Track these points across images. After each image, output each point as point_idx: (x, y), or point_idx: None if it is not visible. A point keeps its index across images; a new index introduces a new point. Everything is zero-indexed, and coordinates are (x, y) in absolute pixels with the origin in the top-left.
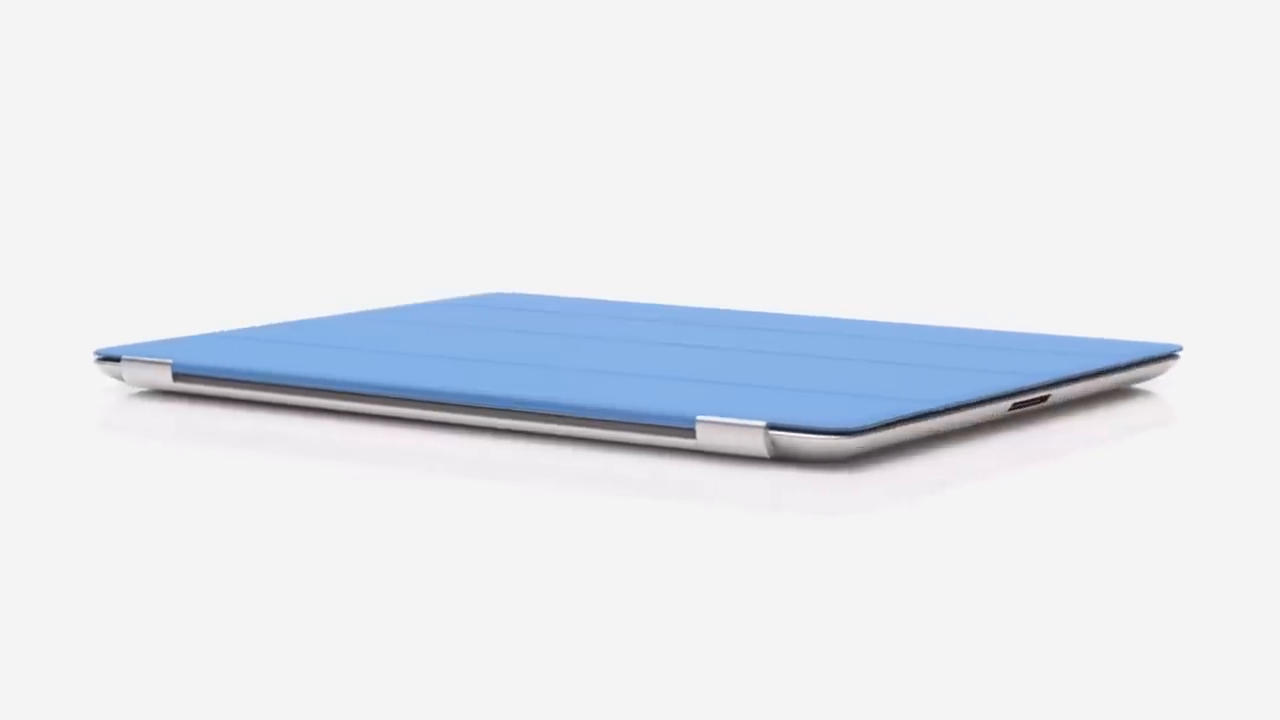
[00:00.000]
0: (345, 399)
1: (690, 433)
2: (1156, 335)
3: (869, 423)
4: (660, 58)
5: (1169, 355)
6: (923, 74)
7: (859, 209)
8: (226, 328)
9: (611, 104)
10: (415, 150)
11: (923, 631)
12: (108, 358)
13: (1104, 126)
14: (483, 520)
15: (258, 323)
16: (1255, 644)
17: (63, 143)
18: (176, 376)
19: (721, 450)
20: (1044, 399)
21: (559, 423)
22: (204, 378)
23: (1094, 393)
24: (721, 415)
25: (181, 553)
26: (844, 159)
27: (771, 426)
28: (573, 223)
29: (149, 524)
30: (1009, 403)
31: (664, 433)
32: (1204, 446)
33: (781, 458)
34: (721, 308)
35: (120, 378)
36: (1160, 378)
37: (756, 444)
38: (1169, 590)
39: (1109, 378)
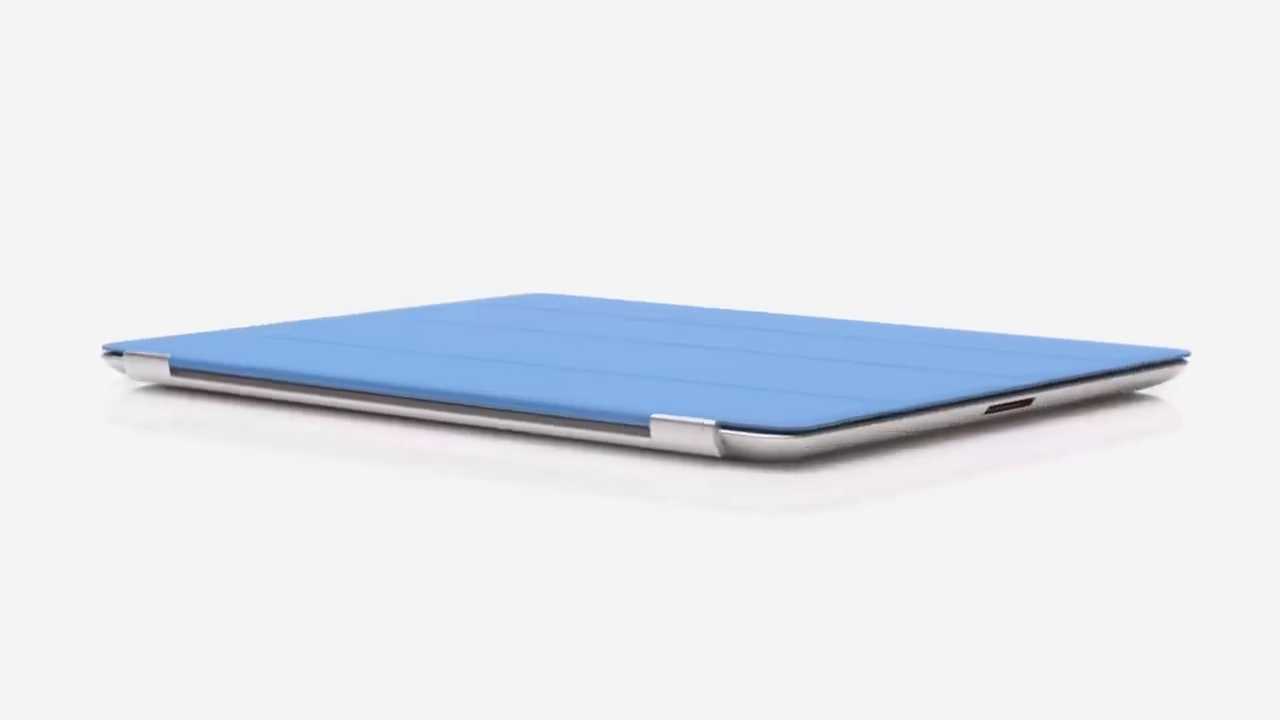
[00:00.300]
0: (329, 394)
1: (646, 431)
2: (1169, 341)
3: (821, 423)
4: (688, 70)
5: (1176, 360)
6: (919, 75)
7: (888, 214)
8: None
9: (654, 109)
10: (461, 156)
11: (860, 635)
12: (113, 352)
13: (1114, 132)
14: (436, 516)
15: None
16: (1260, 656)
17: (111, 147)
18: (174, 371)
19: (675, 449)
20: (1026, 402)
21: (518, 419)
22: (201, 373)
23: (1095, 397)
24: (676, 413)
25: (173, 544)
26: (841, 159)
27: (722, 425)
28: (621, 222)
29: (137, 518)
30: (985, 405)
31: (622, 430)
32: (1208, 452)
33: (734, 457)
34: (732, 309)
35: (124, 371)
36: (1169, 384)
37: (707, 442)
38: (1160, 596)
39: (1111, 382)
